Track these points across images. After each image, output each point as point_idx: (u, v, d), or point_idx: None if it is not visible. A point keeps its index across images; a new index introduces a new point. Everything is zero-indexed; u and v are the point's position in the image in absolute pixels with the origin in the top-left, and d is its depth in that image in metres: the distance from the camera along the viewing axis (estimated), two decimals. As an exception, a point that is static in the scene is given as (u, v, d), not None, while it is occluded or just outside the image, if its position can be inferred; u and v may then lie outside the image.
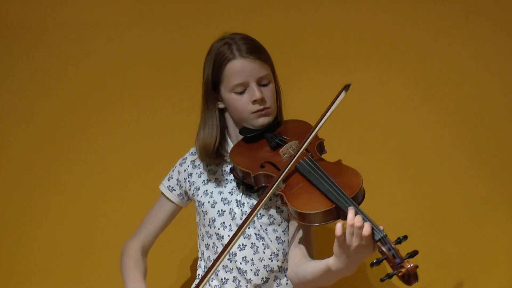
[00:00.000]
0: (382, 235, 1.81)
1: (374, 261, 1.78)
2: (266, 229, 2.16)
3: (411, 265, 1.76)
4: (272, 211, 2.16)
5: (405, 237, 1.82)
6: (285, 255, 2.17)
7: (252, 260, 2.15)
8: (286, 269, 2.16)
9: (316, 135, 2.13)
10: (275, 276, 2.16)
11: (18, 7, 2.74)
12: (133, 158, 2.72)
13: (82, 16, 2.73)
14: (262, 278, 2.15)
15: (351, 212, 1.84)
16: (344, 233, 1.84)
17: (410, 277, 1.75)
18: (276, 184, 2.01)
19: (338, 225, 1.84)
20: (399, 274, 1.76)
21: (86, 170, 2.72)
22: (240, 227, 2.00)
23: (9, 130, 2.74)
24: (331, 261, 1.90)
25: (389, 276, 1.78)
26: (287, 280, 2.16)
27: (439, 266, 2.57)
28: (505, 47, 2.60)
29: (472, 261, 2.58)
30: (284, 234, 2.18)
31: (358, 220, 1.82)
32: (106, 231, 2.70)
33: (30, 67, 2.74)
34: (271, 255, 2.15)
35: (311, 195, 1.97)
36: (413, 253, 1.79)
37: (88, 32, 2.73)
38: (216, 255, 2.17)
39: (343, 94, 2.04)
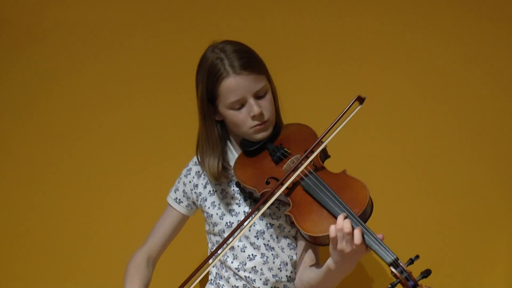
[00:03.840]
0: (393, 258, 1.81)
1: (389, 286, 1.80)
2: (277, 237, 2.16)
3: None
4: (282, 220, 2.16)
5: (417, 257, 1.83)
6: (296, 262, 2.19)
7: (261, 269, 2.17)
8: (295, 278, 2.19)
9: (319, 142, 2.07)
10: (283, 285, 2.18)
11: (18, 7, 2.71)
12: (137, 159, 2.72)
13: (82, 16, 2.71)
14: (272, 288, 2.19)
15: (340, 218, 1.87)
16: (336, 236, 1.87)
17: (426, 300, 1.78)
18: (274, 198, 2.02)
19: (332, 227, 1.87)
20: None
21: (90, 171, 2.73)
22: (232, 232, 2.03)
23: (11, 130, 2.74)
24: (329, 261, 1.93)
25: None
26: None
27: (439, 267, 2.59)
28: (504, 51, 2.60)
29: (472, 261, 2.60)
30: (295, 239, 2.18)
31: (347, 226, 1.85)
32: (109, 232, 2.71)
33: (30, 67, 2.73)
34: (280, 265, 2.17)
35: (319, 216, 1.95)
36: (426, 273, 1.80)
37: (88, 32, 2.71)
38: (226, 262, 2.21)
39: (357, 108, 1.99)
